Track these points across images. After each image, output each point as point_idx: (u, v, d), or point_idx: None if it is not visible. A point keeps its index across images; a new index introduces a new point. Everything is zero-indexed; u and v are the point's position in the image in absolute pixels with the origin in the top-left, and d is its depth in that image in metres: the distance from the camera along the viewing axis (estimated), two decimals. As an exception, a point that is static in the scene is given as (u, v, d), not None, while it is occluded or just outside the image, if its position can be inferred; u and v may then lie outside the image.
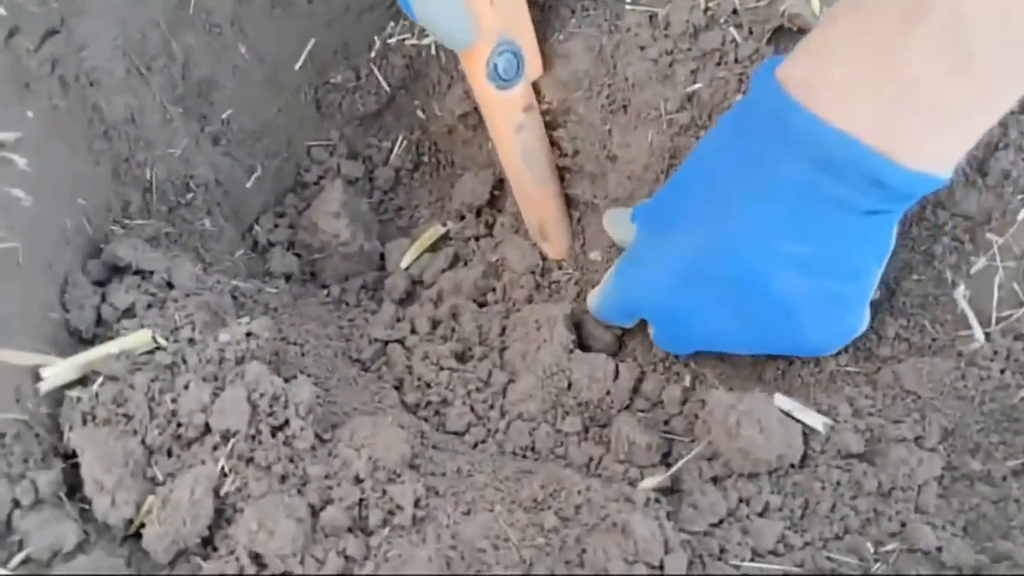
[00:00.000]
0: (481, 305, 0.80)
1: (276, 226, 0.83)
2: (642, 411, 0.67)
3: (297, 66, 0.80)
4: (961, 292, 0.57)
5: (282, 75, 0.79)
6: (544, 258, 0.82)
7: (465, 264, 0.85)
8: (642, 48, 0.67)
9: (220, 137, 0.74)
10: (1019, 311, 0.54)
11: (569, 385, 0.67)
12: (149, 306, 0.60)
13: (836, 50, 0.47)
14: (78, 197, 0.61)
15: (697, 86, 0.66)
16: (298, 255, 0.83)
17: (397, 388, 0.72)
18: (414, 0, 0.59)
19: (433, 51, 0.86)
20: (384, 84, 0.87)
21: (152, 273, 0.62)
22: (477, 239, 0.86)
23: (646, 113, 0.69)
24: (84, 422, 0.51)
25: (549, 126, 0.77)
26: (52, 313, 0.56)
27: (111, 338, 0.56)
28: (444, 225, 0.87)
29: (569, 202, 0.81)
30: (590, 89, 0.72)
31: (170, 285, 0.62)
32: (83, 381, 0.53)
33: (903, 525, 0.51)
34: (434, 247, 0.86)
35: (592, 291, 0.71)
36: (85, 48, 0.58)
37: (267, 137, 0.80)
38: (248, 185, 0.79)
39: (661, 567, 0.49)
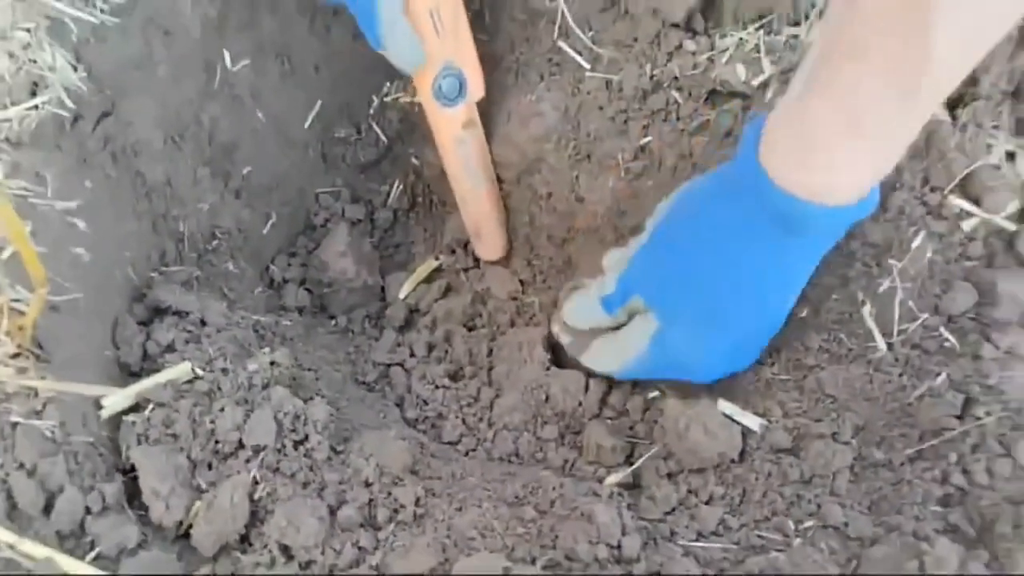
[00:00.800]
0: (470, 329, 0.91)
1: (289, 265, 0.94)
2: (610, 419, 0.78)
3: (306, 125, 0.92)
4: (868, 310, 0.67)
5: (293, 133, 0.91)
6: (522, 283, 0.93)
7: (456, 293, 0.96)
8: (601, 108, 0.79)
9: (241, 191, 0.86)
10: (914, 324, 0.65)
11: (547, 398, 0.78)
12: (187, 342, 0.71)
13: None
14: (124, 250, 0.72)
15: (648, 139, 0.78)
16: (309, 290, 0.94)
17: (399, 405, 0.83)
18: (377, 31, 0.72)
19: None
20: (382, 136, 0.99)
21: (188, 313, 0.73)
22: (466, 271, 0.98)
23: (606, 162, 0.80)
24: (139, 441, 0.62)
25: (527, 172, 0.88)
26: (106, 351, 0.67)
27: (157, 370, 0.67)
28: (437, 259, 0.98)
29: (545, 236, 0.92)
30: (558, 142, 0.83)
31: (203, 323, 0.73)
32: (136, 407, 0.63)
33: (819, 507, 0.62)
34: (429, 279, 0.97)
35: (601, 355, 0.77)
36: (131, 125, 0.70)
37: (281, 187, 0.92)
38: (265, 231, 0.90)
39: (619, 547, 0.59)
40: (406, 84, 0.97)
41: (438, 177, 1.01)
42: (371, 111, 0.97)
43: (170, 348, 0.70)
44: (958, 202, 0.66)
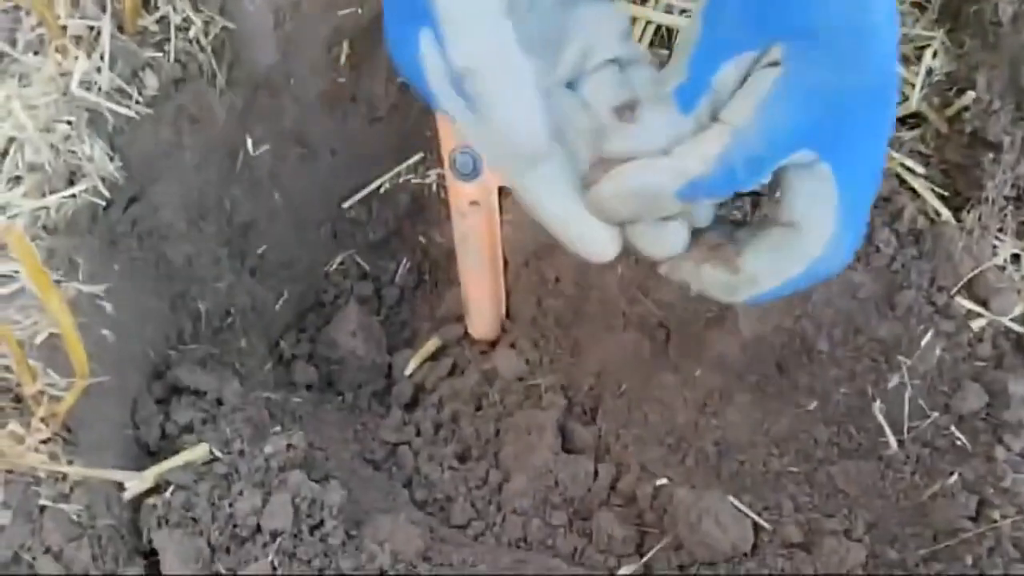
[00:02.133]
0: (478, 409, 0.92)
1: (299, 341, 0.95)
2: (619, 506, 0.78)
3: (320, 205, 0.93)
4: (878, 406, 0.69)
5: (307, 213, 0.93)
6: (528, 363, 0.94)
7: (463, 372, 0.96)
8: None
9: (256, 270, 0.87)
10: (925, 422, 0.67)
11: (556, 483, 0.78)
12: (204, 421, 0.71)
13: None
14: (145, 329, 0.72)
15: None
16: (316, 366, 0.94)
17: (406, 486, 0.83)
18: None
19: (433, 188, 1.00)
20: (392, 216, 1.01)
21: (205, 393, 0.73)
22: (472, 348, 0.99)
23: (618, 252, 0.82)
24: (159, 525, 0.61)
25: (535, 256, 0.90)
26: (127, 430, 0.67)
27: (175, 450, 0.67)
28: (441, 337, 0.99)
29: (553, 319, 0.94)
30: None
31: (220, 402, 0.74)
32: (156, 489, 0.63)
33: (833, 604, 0.62)
34: (434, 356, 0.98)
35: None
36: (158, 209, 0.71)
37: (293, 265, 0.93)
38: (276, 307, 0.91)
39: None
40: (417, 166, 1.00)
41: (446, 255, 1.03)
42: (382, 191, 0.99)
43: (188, 428, 0.71)
44: (965, 303, 0.68)
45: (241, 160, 0.82)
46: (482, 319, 0.95)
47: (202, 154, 0.76)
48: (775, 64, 0.40)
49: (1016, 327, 0.67)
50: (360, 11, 0.83)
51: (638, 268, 0.83)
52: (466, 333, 0.99)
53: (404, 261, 1.04)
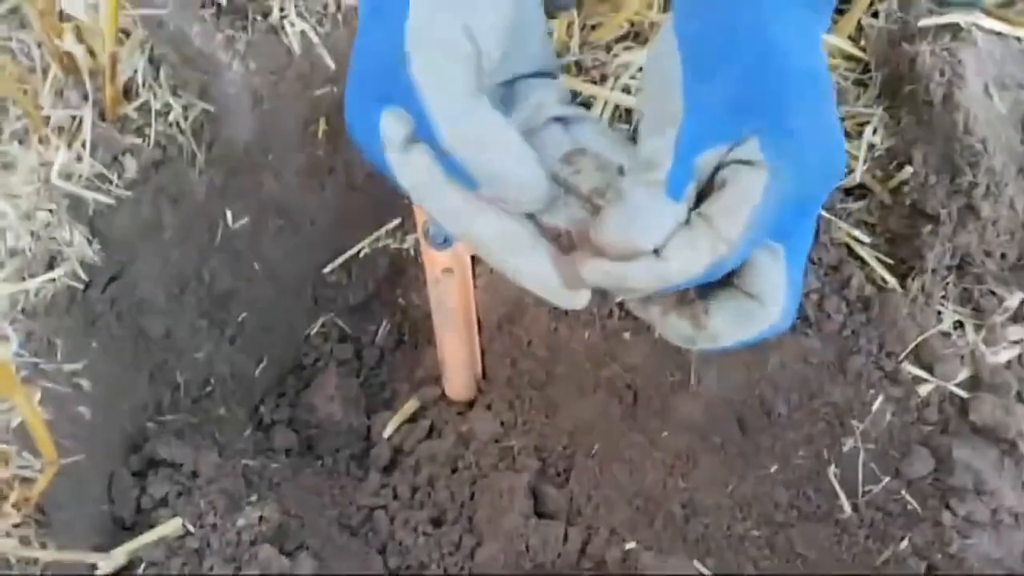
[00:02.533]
0: (454, 471, 0.93)
1: (278, 406, 0.97)
2: (588, 570, 0.80)
3: (300, 271, 0.96)
4: (833, 471, 0.71)
5: (287, 279, 0.95)
6: (503, 424, 0.96)
7: (440, 434, 0.98)
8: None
9: (236, 337, 0.89)
10: (877, 487, 0.69)
11: (527, 548, 0.80)
12: (179, 494, 0.73)
13: None
14: (123, 403, 0.75)
15: (624, 298, 0.83)
16: (296, 431, 0.96)
17: (381, 552, 0.84)
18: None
19: (411, 252, 1.03)
20: (371, 280, 1.04)
21: (182, 465, 0.75)
22: (448, 409, 1.01)
23: (584, 316, 0.85)
24: (132, 603, 0.63)
25: (508, 319, 0.93)
26: (102, 505, 0.69)
27: (150, 524, 0.69)
28: (420, 398, 1.01)
29: (527, 379, 0.96)
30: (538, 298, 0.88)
31: (195, 474, 0.75)
32: (129, 566, 0.65)
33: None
34: (413, 418, 1.00)
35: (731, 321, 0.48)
36: (137, 286, 0.74)
37: (273, 331, 0.95)
38: (256, 373, 0.94)
39: None
40: (395, 230, 1.03)
41: (424, 317, 1.05)
42: (361, 256, 1.02)
43: (163, 502, 0.72)
44: (912, 369, 0.71)
45: (220, 233, 0.85)
46: (458, 381, 0.97)
47: (181, 230, 0.79)
48: (748, 163, 0.42)
49: (961, 392, 0.69)
50: (335, 89, 0.87)
51: (606, 333, 0.86)
52: (443, 394, 1.01)
53: (384, 323, 1.06)
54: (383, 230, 1.03)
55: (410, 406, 1.00)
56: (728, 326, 0.45)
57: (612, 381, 0.87)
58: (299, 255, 0.96)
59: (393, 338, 1.07)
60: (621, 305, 0.84)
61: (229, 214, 0.85)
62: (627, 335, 0.85)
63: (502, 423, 0.96)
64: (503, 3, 0.45)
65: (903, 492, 0.67)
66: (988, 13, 0.73)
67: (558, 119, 0.49)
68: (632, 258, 0.42)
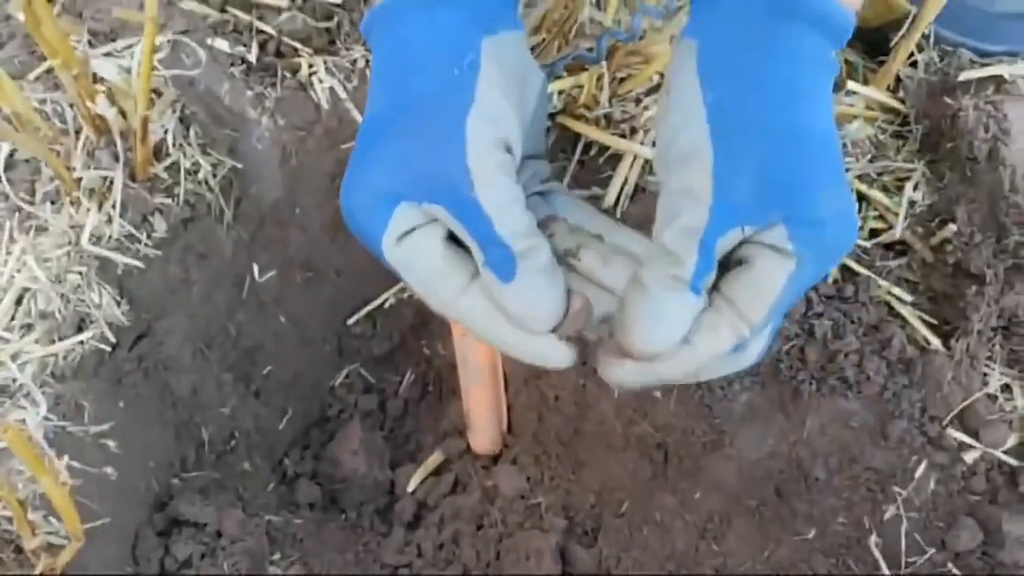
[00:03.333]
0: (479, 528, 0.91)
1: (302, 458, 0.96)
2: (619, 636, 0.77)
3: (325, 323, 0.96)
4: (874, 540, 0.69)
5: (312, 332, 0.95)
6: (529, 479, 0.94)
7: (465, 488, 0.97)
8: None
9: (261, 391, 0.89)
10: (921, 558, 0.66)
11: (555, 613, 0.78)
12: (203, 556, 0.72)
13: None
14: (148, 461, 0.74)
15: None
16: (320, 484, 0.95)
17: (406, 613, 0.83)
18: None
19: (438, 303, 1.02)
20: (395, 330, 1.03)
21: (206, 525, 0.74)
22: (474, 464, 0.99)
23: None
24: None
25: (535, 376, 0.91)
26: (127, 567, 0.68)
27: (173, 588, 0.68)
28: (445, 451, 1.00)
29: (554, 434, 0.94)
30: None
31: (219, 534, 0.74)
32: (152, 632, 0.64)
33: None
34: (437, 471, 0.98)
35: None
36: (163, 343, 0.74)
37: (298, 383, 0.95)
38: (280, 426, 0.93)
39: None
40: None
41: (449, 367, 1.04)
42: (386, 307, 1.02)
43: (187, 563, 0.71)
44: (957, 434, 0.68)
45: (247, 287, 0.84)
46: (484, 435, 0.96)
47: (209, 286, 0.79)
48: (774, 248, 0.43)
49: (1009, 460, 0.67)
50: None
51: (634, 395, 0.84)
52: (468, 447, 0.99)
53: (408, 374, 1.05)
54: (409, 280, 1.03)
55: (434, 459, 0.99)
56: (715, 372, 0.46)
57: (642, 440, 0.85)
58: (324, 307, 0.96)
59: (418, 389, 1.06)
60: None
61: (256, 268, 0.85)
62: (657, 393, 0.83)
63: (528, 479, 0.94)
64: (527, 114, 0.49)
65: (950, 565, 0.65)
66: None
67: (539, 193, 0.53)
68: (658, 357, 0.43)
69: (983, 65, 0.74)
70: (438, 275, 0.46)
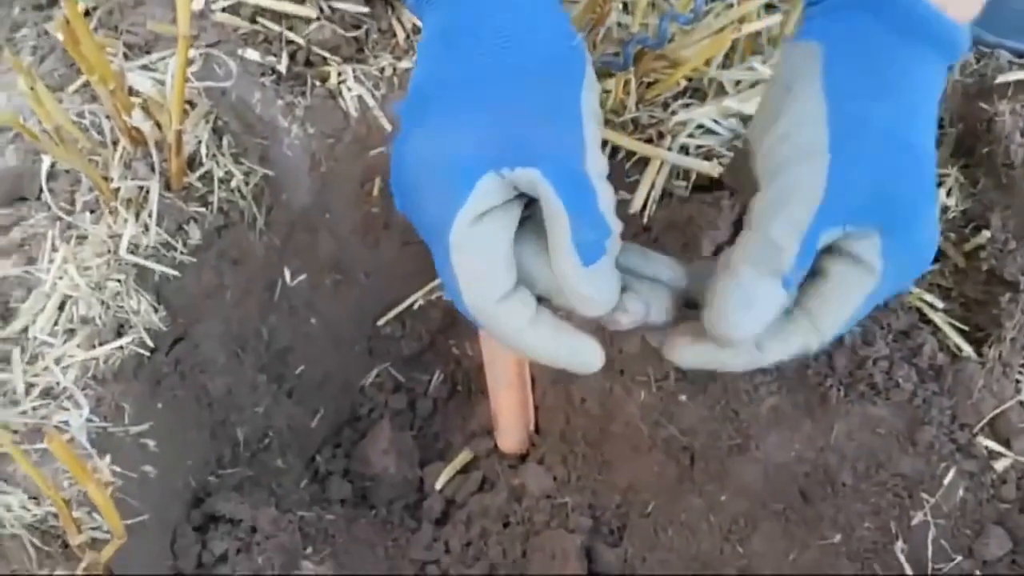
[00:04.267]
0: (505, 526, 0.93)
1: (334, 456, 0.98)
2: (644, 637, 0.78)
3: (355, 324, 0.98)
4: (900, 547, 0.69)
5: (343, 333, 0.97)
6: (555, 479, 0.95)
7: (492, 487, 0.98)
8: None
9: (293, 391, 0.91)
10: (948, 565, 0.66)
11: (580, 613, 0.79)
12: (239, 551, 0.74)
13: None
14: (186, 460, 0.76)
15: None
16: (351, 481, 0.97)
17: (433, 613, 0.84)
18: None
19: (467, 303, 1.03)
20: (424, 331, 1.04)
21: (241, 521, 0.76)
22: (501, 462, 1.00)
23: (639, 378, 0.84)
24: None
25: (561, 378, 0.92)
26: (166, 560, 0.70)
27: (209, 582, 0.70)
28: (473, 450, 1.01)
29: (581, 435, 0.95)
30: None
31: (254, 530, 0.77)
32: (190, 623, 0.66)
33: None
34: (465, 469, 1.00)
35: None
36: (199, 346, 0.76)
37: (329, 383, 0.97)
38: (313, 424, 0.95)
39: None
40: (451, 282, 1.04)
41: (477, 367, 1.05)
42: (415, 308, 1.03)
43: (223, 558, 0.74)
44: (988, 442, 0.68)
45: (279, 291, 0.86)
46: (511, 435, 0.97)
47: (242, 291, 0.81)
48: (858, 260, 0.43)
49: (1040, 470, 0.66)
50: (389, 150, 0.88)
51: (662, 393, 0.84)
52: (496, 446, 1.01)
53: (437, 373, 1.07)
54: (437, 282, 1.04)
55: (463, 458, 1.00)
56: (780, 352, 0.46)
57: (668, 442, 0.85)
58: (355, 309, 0.98)
59: (447, 388, 1.07)
60: (676, 368, 0.82)
61: (287, 272, 0.87)
62: (683, 397, 0.84)
63: (555, 478, 0.95)
64: None
65: (977, 573, 0.64)
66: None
67: None
68: (733, 343, 0.43)
69: (1021, 67, 0.73)
70: (499, 269, 0.44)
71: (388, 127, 0.86)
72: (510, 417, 0.95)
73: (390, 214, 0.95)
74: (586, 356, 0.48)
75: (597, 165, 0.44)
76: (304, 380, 0.93)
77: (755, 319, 0.43)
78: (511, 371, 0.92)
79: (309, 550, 0.82)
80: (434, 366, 1.07)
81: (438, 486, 0.98)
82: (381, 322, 1.02)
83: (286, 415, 0.91)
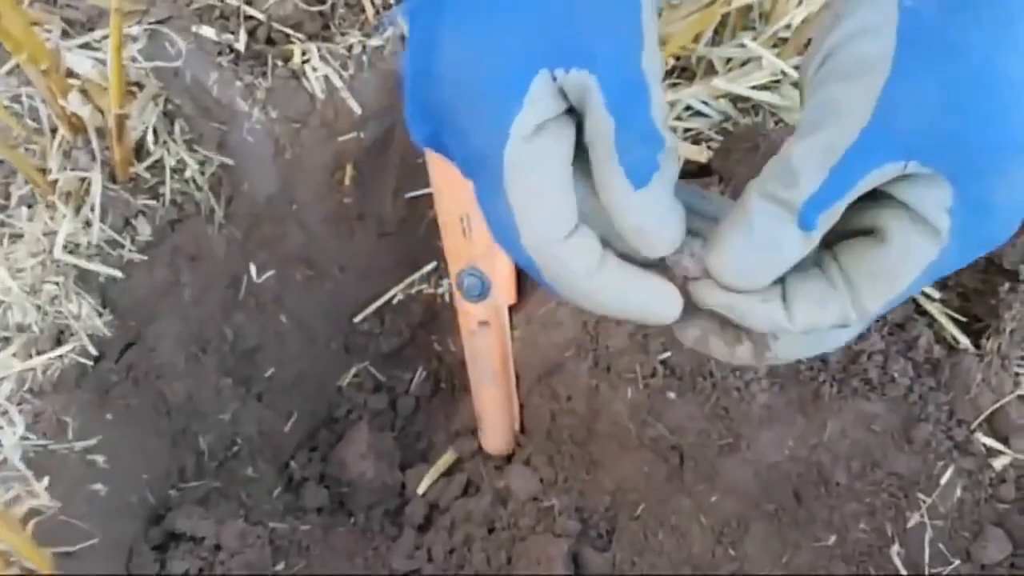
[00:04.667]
0: (490, 531, 0.88)
1: (309, 461, 0.94)
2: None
3: (330, 321, 0.93)
4: (896, 550, 0.65)
5: (316, 330, 0.92)
6: (542, 481, 0.91)
7: (477, 490, 0.94)
8: (618, 323, 0.79)
9: (263, 394, 0.86)
10: (946, 569, 0.62)
11: (565, 623, 0.75)
12: (200, 570, 0.69)
13: None
14: (142, 473, 0.71)
15: (668, 354, 0.77)
16: (327, 487, 0.92)
17: (414, 624, 0.80)
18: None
19: (446, 297, 0.98)
20: (405, 326, 0.99)
21: (203, 539, 0.71)
22: (485, 464, 0.96)
23: (625, 375, 0.79)
24: None
25: (547, 375, 0.88)
26: (119, 584, 0.66)
27: (167, 604, 0.66)
28: (457, 450, 0.97)
29: (567, 434, 0.91)
30: (578, 352, 0.83)
31: (218, 547, 0.72)
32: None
33: None
34: (449, 471, 0.95)
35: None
36: (154, 350, 0.71)
37: (303, 384, 0.92)
38: (286, 429, 0.90)
39: None
40: (429, 277, 0.99)
41: (461, 364, 1.01)
42: (395, 302, 0.98)
43: (183, 578, 0.69)
44: (986, 439, 0.64)
45: (244, 288, 0.81)
46: (495, 434, 0.93)
47: (201, 289, 0.76)
48: (924, 222, 0.33)
49: (1047, 468, 0.62)
50: (361, 135, 0.83)
51: (649, 391, 0.80)
52: (480, 447, 0.96)
53: (419, 370, 1.02)
54: (417, 275, 0.99)
55: (446, 459, 0.96)
56: (795, 351, 0.38)
57: (656, 441, 0.81)
58: (328, 305, 0.93)
59: (429, 386, 1.03)
60: (664, 363, 0.78)
61: (253, 268, 0.82)
62: (671, 394, 0.79)
63: (541, 480, 0.91)
64: None
65: (978, 579, 0.60)
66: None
67: None
68: (746, 292, 0.36)
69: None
70: (564, 195, 0.35)
71: (358, 110, 0.80)
72: (494, 416, 0.91)
73: (364, 204, 0.90)
74: (660, 304, 0.38)
75: (654, 64, 0.35)
76: (275, 382, 0.88)
77: (758, 261, 0.35)
78: (495, 368, 0.87)
79: (281, 565, 0.78)
80: (415, 363, 1.02)
81: (420, 490, 0.93)
82: (358, 318, 0.97)
83: (256, 420, 0.86)
